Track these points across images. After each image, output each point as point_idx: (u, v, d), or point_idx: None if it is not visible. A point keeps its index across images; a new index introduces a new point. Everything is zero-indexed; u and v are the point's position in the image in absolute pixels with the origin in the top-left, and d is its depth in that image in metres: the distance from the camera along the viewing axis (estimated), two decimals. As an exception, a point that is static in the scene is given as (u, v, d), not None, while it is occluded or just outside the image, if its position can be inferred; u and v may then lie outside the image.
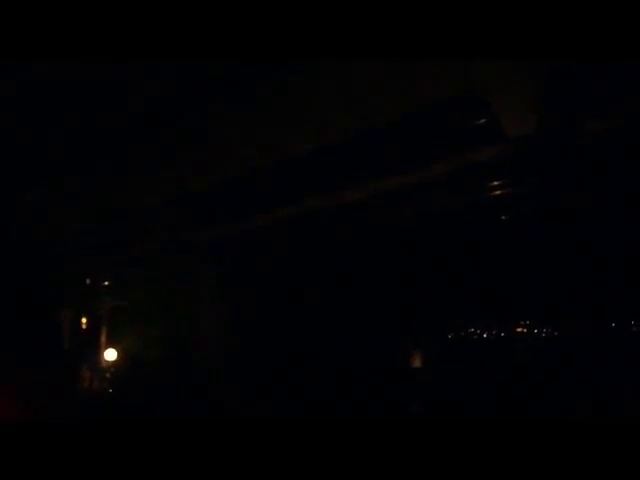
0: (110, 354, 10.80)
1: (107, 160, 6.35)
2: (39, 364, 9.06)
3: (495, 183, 7.18)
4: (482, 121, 5.76)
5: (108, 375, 10.82)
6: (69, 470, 3.72)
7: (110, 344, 10.78)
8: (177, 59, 4.01)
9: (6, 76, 4.47)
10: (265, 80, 5.01)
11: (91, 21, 3.44)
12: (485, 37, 3.46)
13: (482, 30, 3.40)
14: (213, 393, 8.99)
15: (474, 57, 3.89)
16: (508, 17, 3.30)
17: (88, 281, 10.91)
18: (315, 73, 5.04)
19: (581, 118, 5.56)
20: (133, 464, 3.70)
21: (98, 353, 10.75)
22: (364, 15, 3.43)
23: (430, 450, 3.65)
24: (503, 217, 8.18)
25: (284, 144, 6.20)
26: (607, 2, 3.21)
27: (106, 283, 10.78)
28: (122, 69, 4.57)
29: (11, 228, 8.06)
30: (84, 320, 11.15)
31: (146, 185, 7.21)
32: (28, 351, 9.09)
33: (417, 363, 8.26)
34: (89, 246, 9.31)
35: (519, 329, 9.10)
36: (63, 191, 7.35)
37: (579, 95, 5.17)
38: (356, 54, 3.93)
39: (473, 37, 3.48)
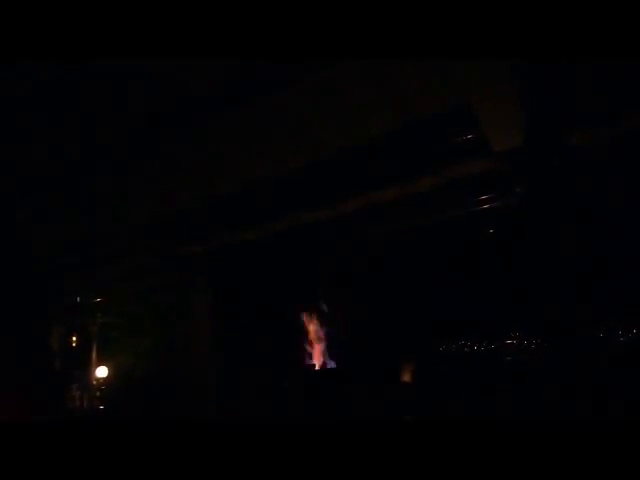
0: (101, 371, 10.74)
1: (103, 174, 6.38)
2: (25, 384, 8.95)
3: (483, 197, 7.29)
4: (470, 136, 5.87)
5: (98, 393, 10.74)
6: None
7: (101, 361, 10.73)
8: (176, 59, 4.05)
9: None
10: (265, 96, 5.09)
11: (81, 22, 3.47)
12: (476, 36, 3.51)
13: (473, 30, 3.46)
14: (209, 407, 8.98)
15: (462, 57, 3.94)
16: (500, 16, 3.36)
17: (78, 299, 10.86)
18: (308, 92, 5.16)
19: (568, 131, 5.68)
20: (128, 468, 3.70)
21: (89, 371, 10.69)
22: (353, 15, 3.48)
23: (422, 456, 3.66)
24: (491, 230, 8.32)
25: (281, 158, 6.32)
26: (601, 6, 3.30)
27: (98, 300, 10.75)
28: (113, 83, 4.64)
29: (4, 244, 8.03)
30: (74, 338, 11.08)
31: (142, 199, 7.26)
32: (14, 371, 8.99)
33: (408, 377, 8.29)
34: (80, 262, 9.28)
35: (509, 341, 9.21)
36: (55, 206, 7.36)
37: (565, 108, 5.31)
38: (346, 54, 3.97)
39: (463, 36, 3.53)
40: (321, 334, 9.91)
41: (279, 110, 5.42)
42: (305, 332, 9.89)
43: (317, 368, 9.73)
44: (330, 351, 9.85)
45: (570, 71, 4.77)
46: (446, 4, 3.31)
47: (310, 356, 9.82)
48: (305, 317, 9.97)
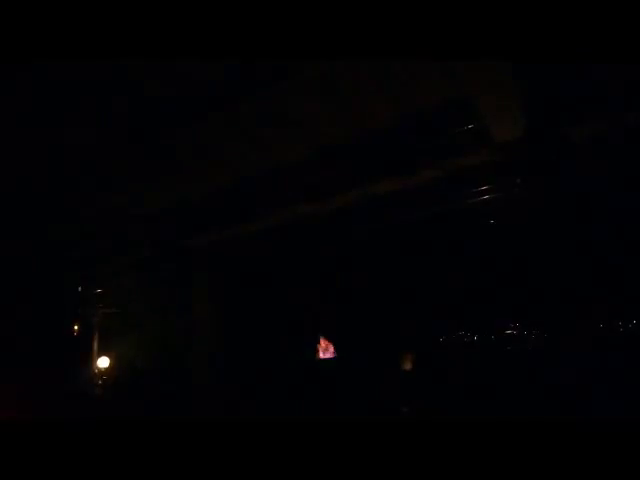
0: (103, 362, 10.76)
1: (105, 166, 6.37)
2: (29, 372, 9.03)
3: (483, 188, 7.26)
4: (470, 127, 5.85)
5: (100, 382, 10.77)
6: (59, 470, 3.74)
7: (103, 351, 10.75)
8: (176, 59, 4.05)
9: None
10: (265, 89, 5.09)
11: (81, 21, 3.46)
12: (474, 37, 3.50)
13: (471, 30, 3.44)
14: (208, 399, 9.02)
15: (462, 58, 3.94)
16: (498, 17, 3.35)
17: (80, 289, 10.86)
18: (309, 85, 5.14)
19: (567, 123, 5.66)
20: (127, 465, 3.73)
21: (91, 361, 10.71)
22: (354, 14, 3.46)
23: (421, 451, 3.68)
24: (492, 221, 8.30)
25: (282, 151, 6.32)
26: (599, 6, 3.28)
27: (99, 290, 10.74)
28: (113, 73, 4.62)
29: (11, 239, 8.08)
30: (76, 328, 11.11)
31: (142, 193, 7.26)
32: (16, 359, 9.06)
33: (408, 366, 8.32)
34: (83, 254, 9.29)
35: (509, 331, 9.25)
36: (56, 200, 7.37)
37: (565, 100, 5.29)
38: (344, 54, 3.97)
39: (462, 37, 3.52)
40: (324, 326, 9.92)
41: (279, 103, 5.41)
42: (307, 324, 9.91)
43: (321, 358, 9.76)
44: (332, 342, 9.87)
45: (570, 64, 4.75)
46: (446, 4, 3.30)
47: (311, 349, 9.84)
48: (306, 309, 9.98)
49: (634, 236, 6.65)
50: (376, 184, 7.09)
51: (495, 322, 9.24)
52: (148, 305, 10.26)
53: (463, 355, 9.56)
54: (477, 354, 9.47)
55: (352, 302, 9.65)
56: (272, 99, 5.28)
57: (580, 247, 6.56)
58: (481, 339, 9.51)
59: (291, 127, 5.85)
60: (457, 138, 6.12)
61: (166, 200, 7.44)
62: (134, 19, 3.43)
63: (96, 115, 5.21)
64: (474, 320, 9.34)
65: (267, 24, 3.56)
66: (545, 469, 3.30)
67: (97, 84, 4.64)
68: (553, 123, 5.75)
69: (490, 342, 9.39)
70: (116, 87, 4.75)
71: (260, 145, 6.15)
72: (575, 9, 3.29)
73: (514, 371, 7.85)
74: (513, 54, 3.77)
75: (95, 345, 10.80)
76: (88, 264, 9.70)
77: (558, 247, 6.85)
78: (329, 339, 9.66)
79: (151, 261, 9.34)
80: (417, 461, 3.52)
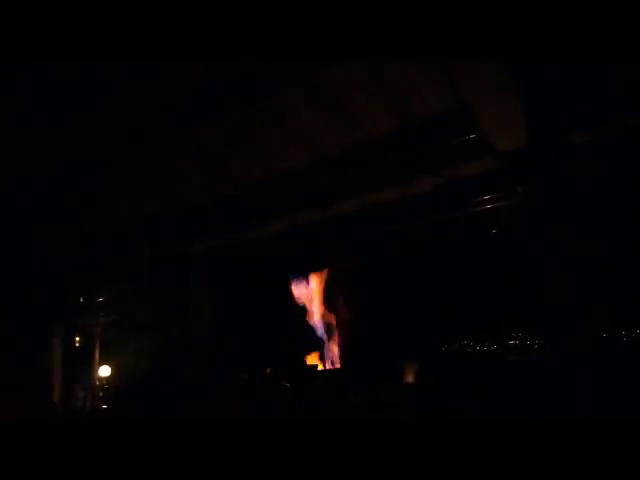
0: (104, 371, 10.73)
1: (105, 166, 6.39)
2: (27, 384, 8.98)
3: (485, 197, 7.25)
4: (472, 136, 5.85)
5: (102, 393, 10.73)
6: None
7: (104, 361, 10.72)
8: (177, 60, 4.07)
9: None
10: (265, 96, 5.11)
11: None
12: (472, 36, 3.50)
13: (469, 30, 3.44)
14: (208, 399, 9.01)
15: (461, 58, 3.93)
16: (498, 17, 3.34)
17: (82, 299, 10.84)
18: (309, 91, 5.16)
19: (568, 131, 5.66)
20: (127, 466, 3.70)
21: (92, 371, 10.68)
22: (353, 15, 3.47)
23: (421, 456, 3.65)
24: (494, 231, 8.30)
25: (281, 159, 6.34)
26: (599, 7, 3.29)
27: (100, 299, 10.72)
28: (108, 76, 4.64)
29: (8, 244, 8.06)
30: (77, 338, 11.09)
31: (142, 198, 7.28)
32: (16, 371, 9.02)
33: (411, 376, 8.28)
34: (83, 258, 9.29)
35: (512, 341, 9.22)
36: (55, 207, 7.38)
37: (565, 108, 5.29)
38: (343, 54, 3.98)
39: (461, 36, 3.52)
40: (325, 333, 9.91)
41: (279, 110, 5.43)
42: (308, 330, 9.91)
43: (322, 368, 9.72)
44: (337, 351, 9.85)
45: (570, 70, 4.76)
46: (446, 4, 3.30)
47: (314, 355, 9.82)
48: (309, 316, 9.97)
49: (634, 236, 6.63)
50: (377, 192, 7.10)
51: (498, 332, 9.22)
52: (148, 307, 10.26)
53: (466, 365, 9.54)
54: (480, 364, 9.44)
55: (354, 312, 9.64)
56: (272, 104, 5.31)
57: (582, 250, 6.52)
58: (484, 349, 9.49)
59: (291, 134, 5.87)
60: (458, 147, 6.12)
61: (166, 201, 7.45)
62: (134, 19, 3.45)
63: (96, 115, 5.23)
64: (477, 330, 9.32)
65: (266, 24, 3.57)
66: (545, 469, 3.27)
67: (97, 84, 4.65)
68: (555, 130, 5.75)
69: (493, 352, 9.36)
70: (116, 87, 4.77)
71: (260, 146, 6.16)
72: (575, 9, 3.29)
73: (517, 380, 7.81)
74: (513, 54, 3.76)
75: (97, 355, 10.77)
76: (88, 270, 9.68)
77: (560, 254, 6.81)
78: (330, 349, 9.65)
79: (151, 263, 9.32)
80: (415, 464, 3.49)
